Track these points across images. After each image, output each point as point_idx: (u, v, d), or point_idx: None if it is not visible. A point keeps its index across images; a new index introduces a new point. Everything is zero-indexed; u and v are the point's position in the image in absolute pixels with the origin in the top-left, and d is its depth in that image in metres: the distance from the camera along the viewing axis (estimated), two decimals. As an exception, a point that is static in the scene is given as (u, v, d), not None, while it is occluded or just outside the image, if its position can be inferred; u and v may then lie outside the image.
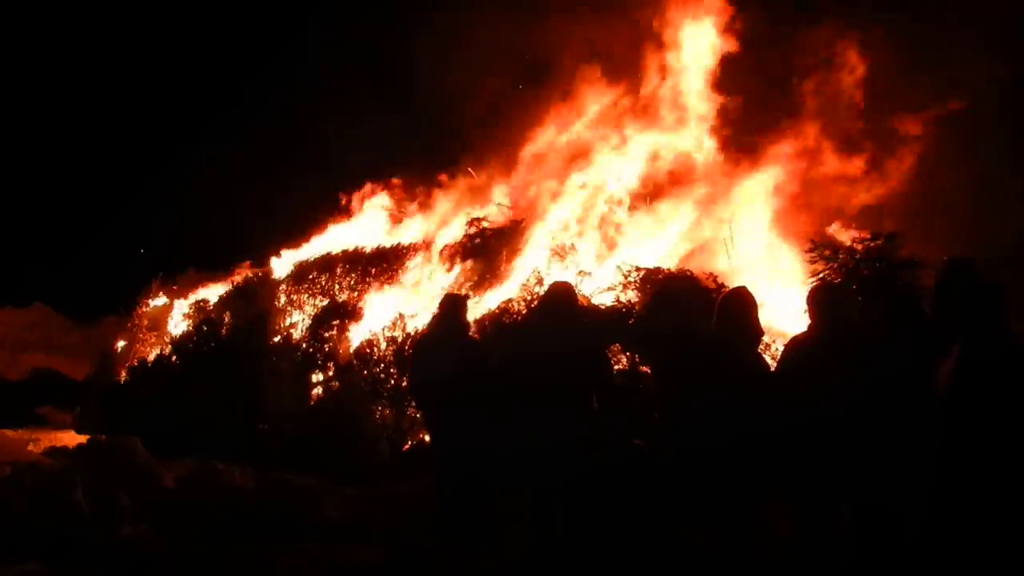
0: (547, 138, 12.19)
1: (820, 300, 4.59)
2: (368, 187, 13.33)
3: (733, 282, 8.59)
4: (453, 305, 5.94)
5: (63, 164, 20.20)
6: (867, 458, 4.24)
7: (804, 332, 4.64)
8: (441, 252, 10.79)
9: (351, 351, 9.65)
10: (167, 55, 20.39)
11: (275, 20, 19.57)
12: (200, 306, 11.42)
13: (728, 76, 11.09)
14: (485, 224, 10.90)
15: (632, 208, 11.02)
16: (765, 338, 5.81)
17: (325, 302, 10.35)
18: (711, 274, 9.06)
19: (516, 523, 5.57)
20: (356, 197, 13.30)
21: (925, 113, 9.99)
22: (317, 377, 9.59)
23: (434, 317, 6.11)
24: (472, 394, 5.46)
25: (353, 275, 10.68)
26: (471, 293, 9.65)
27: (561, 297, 5.53)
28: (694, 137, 11.32)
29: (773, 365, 5.00)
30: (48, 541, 5.50)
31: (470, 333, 6.36)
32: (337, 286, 10.59)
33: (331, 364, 9.60)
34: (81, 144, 20.01)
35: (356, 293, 10.49)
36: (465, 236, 10.81)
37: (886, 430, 4.23)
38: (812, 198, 10.56)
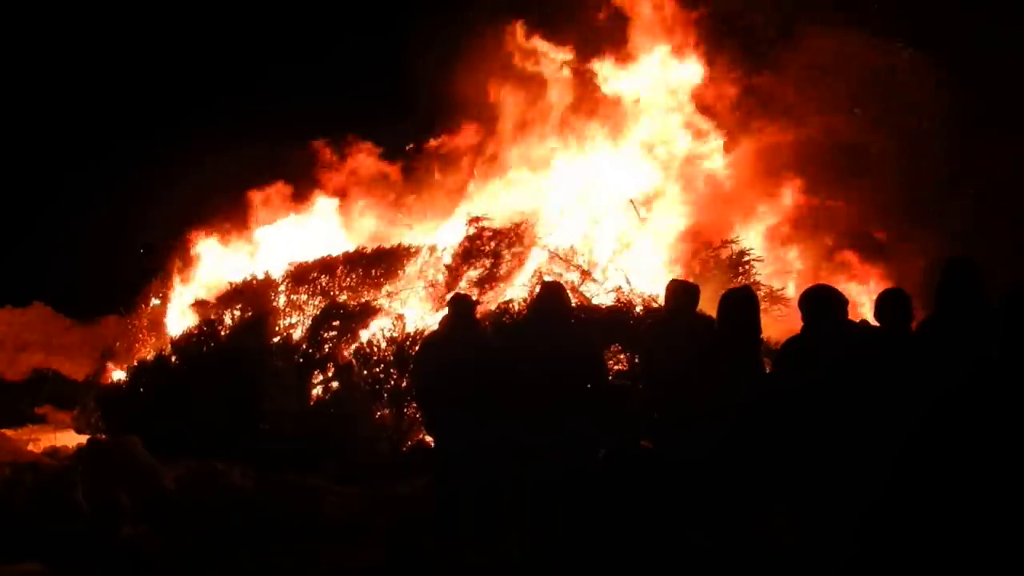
0: (548, 136, 12.22)
1: (813, 302, 4.60)
2: (366, 186, 13.31)
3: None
4: (463, 305, 5.94)
5: (63, 162, 20.20)
6: (863, 460, 4.24)
7: (798, 334, 4.66)
8: (441, 252, 10.79)
9: (351, 351, 9.65)
10: (162, 47, 20.36)
11: (283, 16, 19.48)
12: (200, 304, 11.40)
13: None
14: (486, 224, 10.90)
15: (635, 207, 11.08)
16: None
17: (325, 303, 10.35)
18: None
19: (516, 523, 5.57)
20: (354, 195, 13.28)
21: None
22: (317, 377, 9.59)
23: (444, 317, 6.09)
24: (481, 394, 5.47)
25: (353, 276, 10.68)
26: (472, 293, 9.65)
27: (551, 297, 5.55)
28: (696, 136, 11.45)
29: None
30: (48, 541, 5.50)
31: (481, 334, 6.37)
32: (337, 287, 10.59)
33: (331, 364, 9.60)
34: (80, 143, 20.01)
35: (356, 293, 10.49)
36: (466, 237, 10.81)
37: (883, 432, 4.24)
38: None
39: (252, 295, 10.78)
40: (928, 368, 4.27)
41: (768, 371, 4.86)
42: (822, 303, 4.56)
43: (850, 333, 4.57)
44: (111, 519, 5.82)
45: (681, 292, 5.78)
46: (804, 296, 4.65)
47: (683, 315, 5.67)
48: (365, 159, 13.37)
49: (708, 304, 5.82)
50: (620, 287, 9.95)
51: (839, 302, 4.56)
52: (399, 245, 11.14)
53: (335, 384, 9.47)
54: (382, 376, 9.33)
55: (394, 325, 9.85)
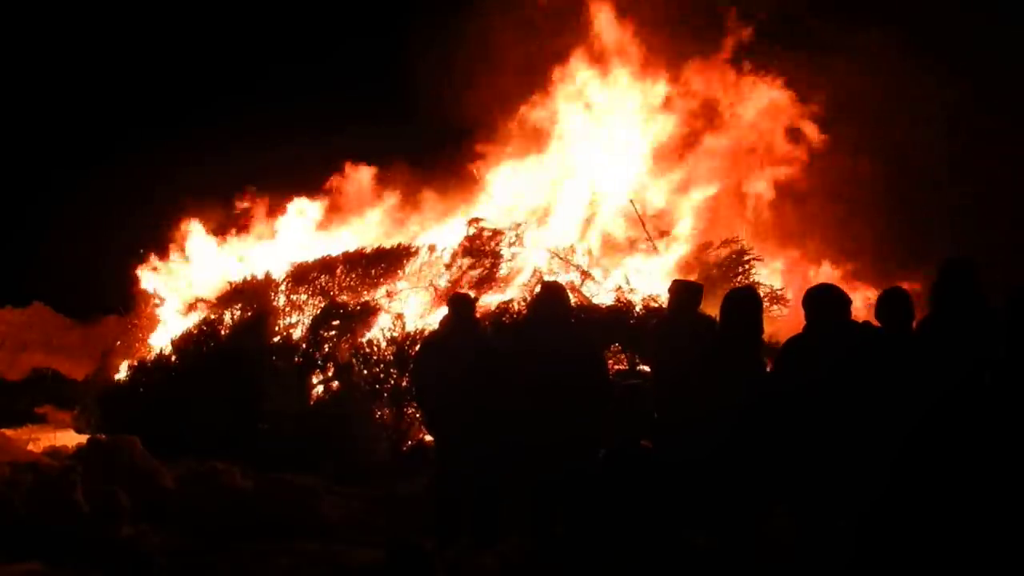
0: (547, 136, 12.22)
1: (816, 301, 4.60)
2: (366, 186, 13.29)
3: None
4: (463, 305, 5.94)
5: (64, 162, 20.20)
6: (863, 460, 4.24)
7: (800, 333, 4.65)
8: (441, 252, 10.80)
9: (351, 351, 9.65)
10: (165, 47, 20.36)
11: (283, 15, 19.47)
12: (200, 302, 11.39)
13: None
14: (485, 224, 10.92)
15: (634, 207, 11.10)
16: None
17: (325, 303, 10.35)
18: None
19: (516, 523, 5.57)
20: (354, 196, 13.26)
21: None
22: (317, 377, 9.59)
23: (444, 317, 6.09)
24: (482, 394, 5.47)
25: (353, 275, 10.68)
26: (472, 293, 9.65)
27: (551, 297, 5.55)
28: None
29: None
30: (48, 541, 5.50)
31: (481, 334, 6.37)
32: (337, 287, 10.59)
33: (331, 364, 9.60)
34: (81, 142, 20.00)
35: (356, 293, 10.49)
36: (466, 237, 10.83)
37: (883, 433, 4.23)
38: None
39: (252, 295, 10.78)
40: (928, 368, 4.26)
41: (769, 371, 4.85)
42: (825, 302, 4.55)
43: (852, 333, 4.56)
44: (111, 519, 5.81)
45: (684, 292, 5.79)
46: (807, 295, 4.64)
47: (687, 315, 5.67)
48: (365, 158, 13.38)
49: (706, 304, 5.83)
50: (620, 287, 9.96)
51: (842, 302, 4.55)
52: (399, 245, 11.14)
53: (335, 384, 9.47)
54: (382, 376, 9.34)
55: (394, 325, 9.86)
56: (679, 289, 5.84)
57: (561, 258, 10.44)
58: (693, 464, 4.59)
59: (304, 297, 10.57)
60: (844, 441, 4.24)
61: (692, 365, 4.86)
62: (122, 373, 10.89)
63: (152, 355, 10.81)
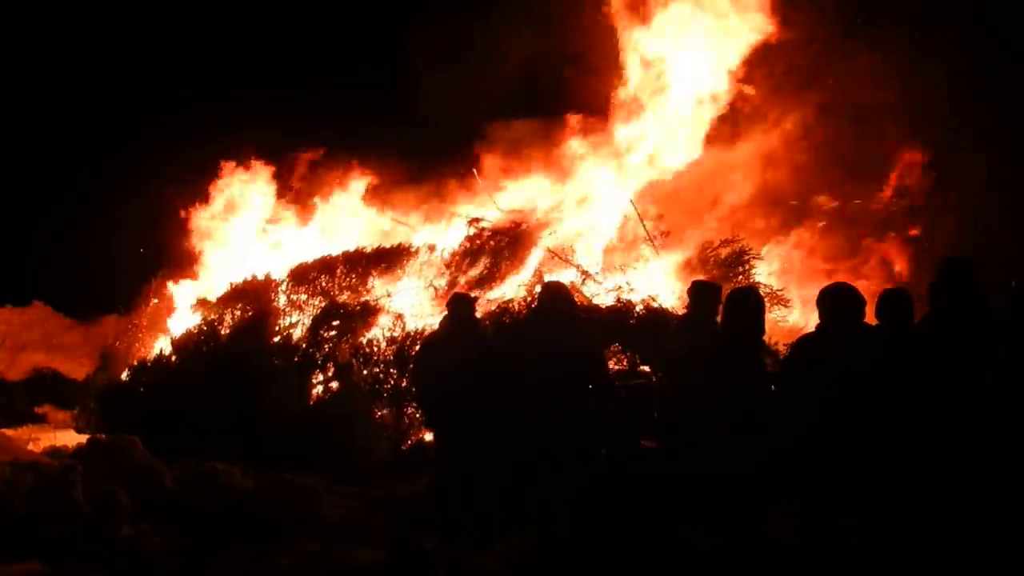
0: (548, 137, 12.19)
1: (830, 300, 4.58)
2: (367, 185, 13.27)
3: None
4: (463, 305, 5.94)
5: (63, 160, 20.19)
6: (873, 464, 4.23)
7: (812, 332, 4.64)
8: (441, 252, 10.80)
9: (351, 351, 9.65)
10: (168, 44, 20.33)
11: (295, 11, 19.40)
12: (201, 303, 11.39)
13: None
14: (485, 224, 10.92)
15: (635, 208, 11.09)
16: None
17: (325, 303, 10.35)
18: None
19: (516, 523, 5.58)
20: (355, 195, 13.23)
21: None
22: (317, 377, 9.59)
23: (444, 317, 6.10)
24: (482, 394, 5.47)
25: (353, 276, 10.68)
26: (473, 292, 9.65)
27: (553, 296, 5.55)
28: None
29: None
30: (48, 541, 5.50)
31: (482, 333, 6.37)
32: (337, 287, 10.59)
33: (331, 364, 9.61)
34: (81, 141, 19.99)
35: (356, 293, 10.50)
36: (466, 237, 10.84)
37: (894, 435, 4.22)
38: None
39: (252, 295, 10.78)
40: (928, 368, 4.26)
41: (773, 370, 4.85)
42: (842, 302, 4.51)
43: (864, 335, 4.53)
44: (111, 519, 5.82)
45: (703, 292, 5.72)
46: (822, 294, 4.59)
47: (708, 315, 5.61)
48: (365, 158, 13.36)
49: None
50: (620, 287, 9.96)
51: (858, 302, 4.51)
52: (399, 245, 11.15)
53: (335, 384, 9.47)
54: (382, 376, 9.34)
55: (394, 325, 9.86)
56: (700, 290, 5.79)
57: (561, 258, 10.44)
58: (694, 464, 4.59)
59: (304, 297, 10.57)
60: (846, 441, 4.24)
61: (698, 364, 4.86)
62: (123, 372, 10.89)
63: (152, 355, 10.82)
